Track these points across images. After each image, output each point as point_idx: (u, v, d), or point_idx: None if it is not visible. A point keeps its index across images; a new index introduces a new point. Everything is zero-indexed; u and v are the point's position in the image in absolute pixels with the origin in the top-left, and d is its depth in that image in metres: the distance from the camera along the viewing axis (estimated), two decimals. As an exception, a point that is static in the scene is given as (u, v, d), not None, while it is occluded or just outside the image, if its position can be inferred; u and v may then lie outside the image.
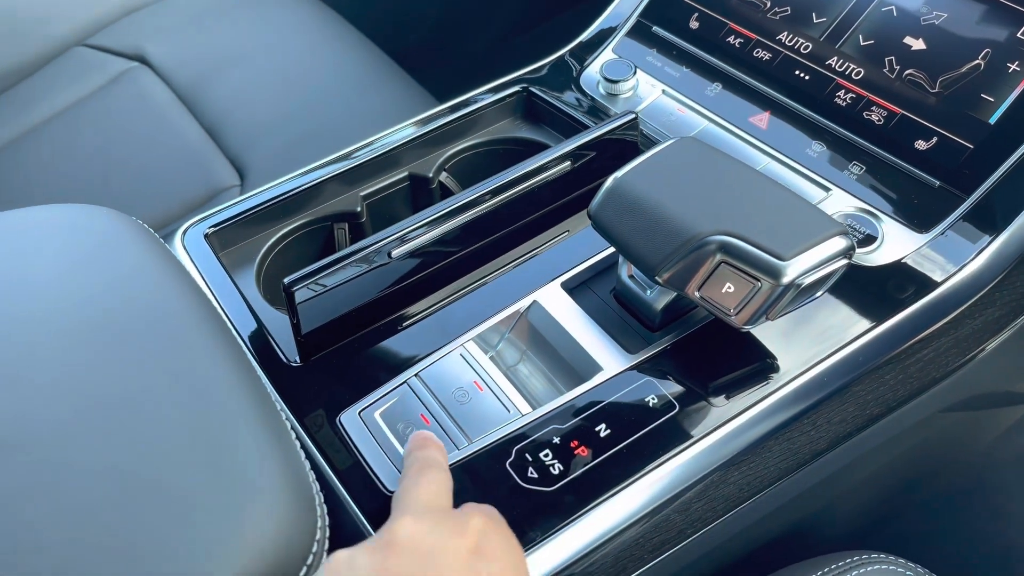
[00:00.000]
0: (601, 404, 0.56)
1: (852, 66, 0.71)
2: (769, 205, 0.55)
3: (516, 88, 0.80)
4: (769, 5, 0.77)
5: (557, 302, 0.62)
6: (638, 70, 0.80)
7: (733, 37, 0.78)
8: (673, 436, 0.55)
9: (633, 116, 0.69)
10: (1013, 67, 0.65)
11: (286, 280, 0.57)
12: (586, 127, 0.74)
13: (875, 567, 0.61)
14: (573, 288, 0.63)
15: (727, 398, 0.56)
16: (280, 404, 0.57)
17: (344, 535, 0.51)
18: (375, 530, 0.50)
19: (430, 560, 0.42)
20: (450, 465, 0.53)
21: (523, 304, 0.62)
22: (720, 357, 0.59)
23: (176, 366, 0.46)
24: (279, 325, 0.63)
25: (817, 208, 0.55)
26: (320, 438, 0.55)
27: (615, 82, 0.79)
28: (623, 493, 0.52)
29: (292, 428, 0.52)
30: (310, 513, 0.44)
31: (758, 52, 0.76)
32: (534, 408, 0.56)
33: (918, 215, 0.64)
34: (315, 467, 0.54)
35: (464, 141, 0.79)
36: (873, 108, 0.69)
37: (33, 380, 0.45)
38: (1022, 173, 0.62)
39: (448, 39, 1.42)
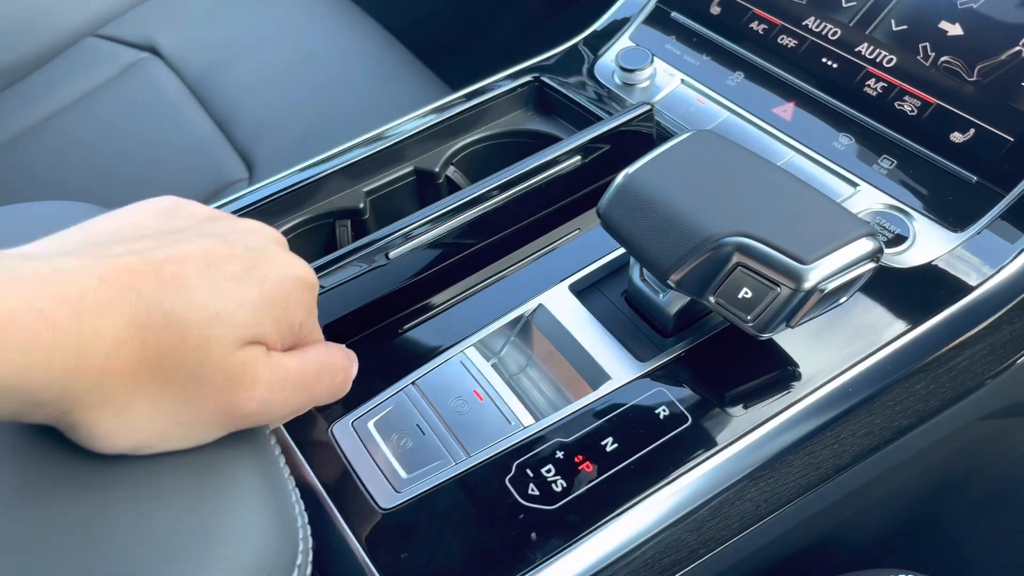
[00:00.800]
0: (608, 416, 0.52)
1: (883, 53, 0.66)
2: (790, 204, 0.51)
3: (528, 78, 0.76)
4: (795, -11, 0.73)
5: (564, 306, 0.58)
6: (655, 58, 0.76)
7: (757, 23, 0.74)
8: (686, 450, 0.51)
9: (649, 107, 0.66)
10: (1058, 53, 0.60)
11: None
12: (600, 119, 0.71)
13: (901, 587, 0.58)
14: (582, 291, 0.60)
15: (744, 409, 0.53)
16: None
17: (330, 555, 0.49)
18: (366, 550, 0.48)
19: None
20: (446, 480, 0.50)
21: (528, 307, 0.59)
22: (737, 365, 0.55)
23: None
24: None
25: (842, 207, 0.51)
26: (310, 450, 0.53)
27: (631, 71, 0.75)
28: (631, 512, 0.49)
29: (279, 440, 0.50)
30: (291, 533, 0.41)
31: (783, 39, 0.72)
32: (537, 419, 0.53)
33: (952, 213, 0.60)
34: (303, 481, 0.51)
35: (473, 134, 0.76)
36: (906, 98, 0.65)
37: None
38: (1067, 168, 0.58)
39: (466, 29, 1.39)
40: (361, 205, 0.71)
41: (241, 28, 1.18)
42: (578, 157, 0.64)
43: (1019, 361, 0.62)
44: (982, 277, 0.57)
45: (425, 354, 0.57)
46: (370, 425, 0.53)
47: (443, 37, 1.39)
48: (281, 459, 0.43)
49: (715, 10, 0.76)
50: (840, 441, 0.55)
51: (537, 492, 0.50)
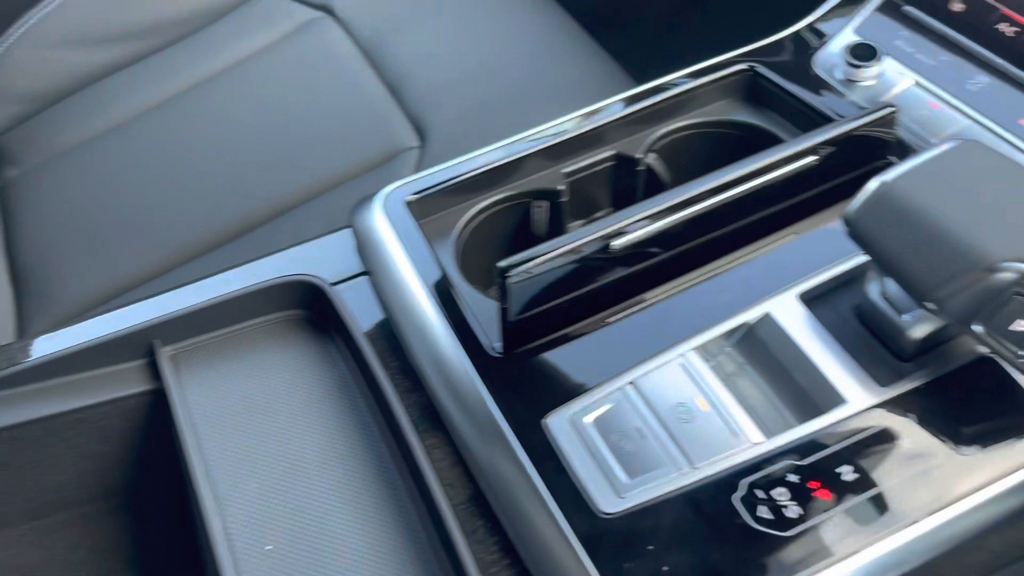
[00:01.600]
0: (847, 443, 0.49)
1: None
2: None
3: (742, 65, 0.72)
4: (1057, -11, 0.66)
5: (794, 316, 0.55)
6: (885, 55, 0.70)
7: (1006, 24, 0.67)
8: (932, 490, 0.47)
9: (892, 109, 0.61)
10: None
11: (501, 263, 0.53)
12: (823, 116, 0.66)
13: None
14: (812, 300, 0.56)
15: (998, 452, 0.48)
16: (484, 394, 0.53)
17: (543, 553, 0.47)
18: (589, 554, 0.45)
19: None
20: (671, 491, 0.47)
21: (752, 314, 0.55)
22: (994, 402, 0.50)
23: None
24: (478, 307, 0.59)
25: None
26: (527, 442, 0.50)
27: (859, 67, 0.69)
28: (870, 550, 0.45)
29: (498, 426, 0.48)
30: None
31: (1038, 44, 0.65)
32: (767, 437, 0.50)
33: None
34: (517, 470, 0.49)
35: (676, 121, 0.72)
36: None
37: None
38: None
39: (644, 8, 1.33)
40: (561, 187, 0.68)
41: (413, -6, 1.17)
42: (813, 158, 0.59)
43: None
44: None
45: (641, 353, 0.54)
46: (588, 422, 0.51)
47: (621, 19, 1.33)
48: None
49: (957, 7, 0.70)
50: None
51: (769, 516, 0.46)
